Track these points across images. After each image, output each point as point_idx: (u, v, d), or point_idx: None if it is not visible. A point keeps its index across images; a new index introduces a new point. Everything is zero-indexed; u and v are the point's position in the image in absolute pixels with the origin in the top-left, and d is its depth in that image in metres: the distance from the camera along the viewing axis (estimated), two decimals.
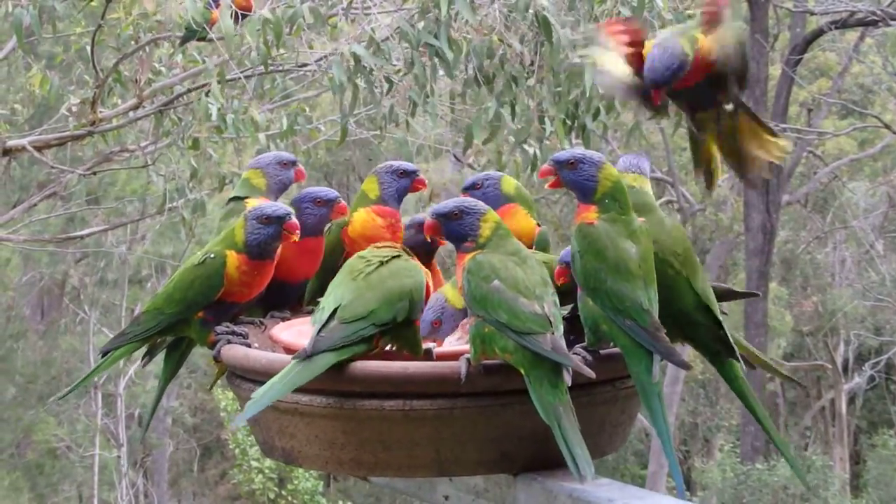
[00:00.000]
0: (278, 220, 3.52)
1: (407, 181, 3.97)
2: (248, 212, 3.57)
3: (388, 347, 3.21)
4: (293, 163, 4.01)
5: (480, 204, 3.17)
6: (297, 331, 3.44)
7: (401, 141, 8.98)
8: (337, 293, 3.21)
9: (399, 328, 3.18)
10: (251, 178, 3.95)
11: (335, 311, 3.14)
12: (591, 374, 2.98)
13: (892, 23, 19.76)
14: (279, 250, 3.63)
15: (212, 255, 3.58)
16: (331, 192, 3.89)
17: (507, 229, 3.16)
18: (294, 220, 3.54)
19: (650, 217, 3.35)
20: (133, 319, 3.78)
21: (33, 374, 25.62)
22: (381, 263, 3.30)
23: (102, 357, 3.80)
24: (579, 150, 3.18)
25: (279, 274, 3.75)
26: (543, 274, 3.12)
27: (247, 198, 3.89)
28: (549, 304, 3.03)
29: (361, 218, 3.95)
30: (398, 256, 3.35)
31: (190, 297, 3.58)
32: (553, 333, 2.96)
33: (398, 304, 3.17)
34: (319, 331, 3.10)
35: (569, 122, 8.65)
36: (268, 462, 23.91)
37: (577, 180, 3.12)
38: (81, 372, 25.85)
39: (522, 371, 2.97)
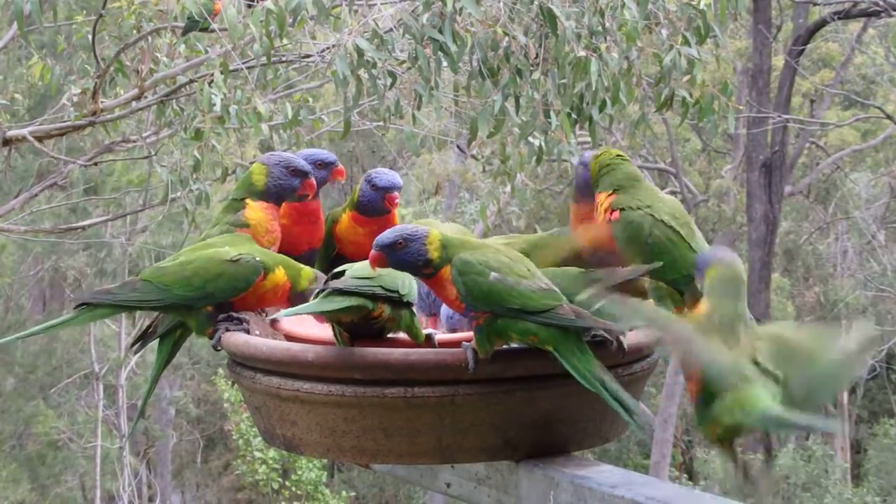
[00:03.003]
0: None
1: (377, 195, 3.91)
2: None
3: (389, 329, 3.21)
4: (304, 174, 3.76)
5: (420, 228, 3.14)
6: (299, 318, 3.44)
7: (408, 134, 8.96)
8: (344, 266, 3.26)
9: (401, 304, 3.18)
10: (254, 172, 3.82)
11: (344, 272, 3.20)
12: (621, 328, 3.02)
13: (894, 13, 19.72)
14: None
15: (257, 258, 3.52)
16: (329, 156, 3.86)
17: (455, 238, 3.15)
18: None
19: (640, 187, 3.46)
20: (125, 283, 3.62)
21: (33, 365, 25.62)
22: None
23: (78, 307, 3.61)
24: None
25: (282, 246, 3.75)
26: (523, 257, 3.14)
27: (245, 199, 3.83)
28: (545, 279, 3.05)
29: (345, 221, 3.98)
30: None
31: (210, 289, 3.51)
32: (567, 303, 2.98)
33: (400, 279, 3.19)
34: (327, 281, 3.18)
35: (574, 115, 8.64)
36: (271, 452, 23.97)
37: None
38: (81, 362, 25.88)
39: (550, 348, 2.97)
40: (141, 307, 3.61)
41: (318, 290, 3.16)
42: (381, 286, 3.13)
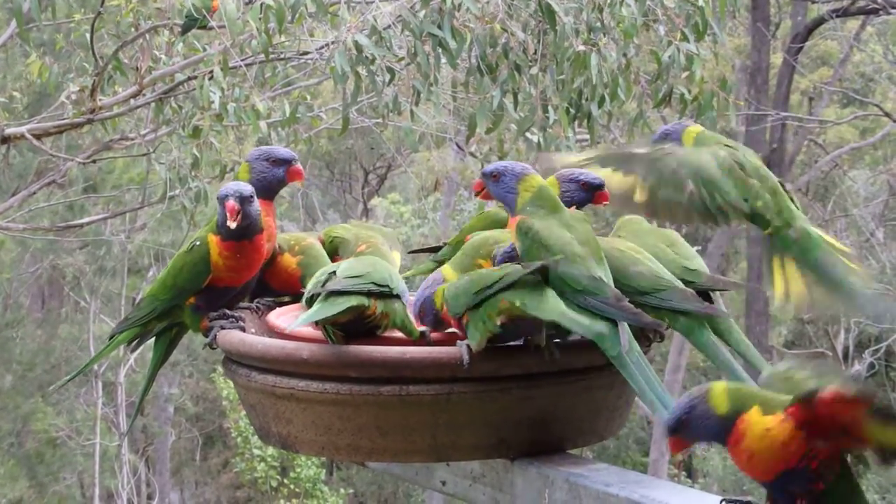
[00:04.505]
0: (221, 200, 3.50)
1: None
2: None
3: (383, 327, 3.21)
4: (286, 161, 3.75)
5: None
6: (294, 316, 3.44)
7: (407, 130, 8.96)
8: (329, 267, 3.30)
9: (391, 299, 3.20)
10: (240, 172, 3.84)
11: (333, 273, 3.22)
12: (554, 266, 3.03)
13: (892, 11, 19.70)
14: (263, 232, 3.61)
15: (197, 242, 3.58)
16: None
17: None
18: (232, 202, 3.47)
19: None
20: (135, 306, 3.82)
21: (31, 363, 25.61)
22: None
23: (110, 339, 3.86)
24: (502, 163, 3.28)
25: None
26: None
27: None
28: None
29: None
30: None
31: (180, 284, 3.61)
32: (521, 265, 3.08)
33: (387, 274, 3.23)
34: (323, 285, 3.19)
35: (572, 111, 8.63)
36: (270, 450, 23.97)
37: (500, 193, 3.24)
38: (80, 360, 25.86)
39: (518, 303, 3.00)
40: (147, 321, 3.74)
41: (312, 295, 3.17)
42: (372, 282, 3.16)
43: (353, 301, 3.12)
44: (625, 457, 27.44)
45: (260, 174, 3.75)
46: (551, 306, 2.98)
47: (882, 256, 28.13)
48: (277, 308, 3.72)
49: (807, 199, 28.70)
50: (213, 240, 3.55)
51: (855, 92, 26.99)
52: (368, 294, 3.15)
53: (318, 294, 3.16)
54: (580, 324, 2.94)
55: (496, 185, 3.25)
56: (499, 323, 3.02)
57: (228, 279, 3.58)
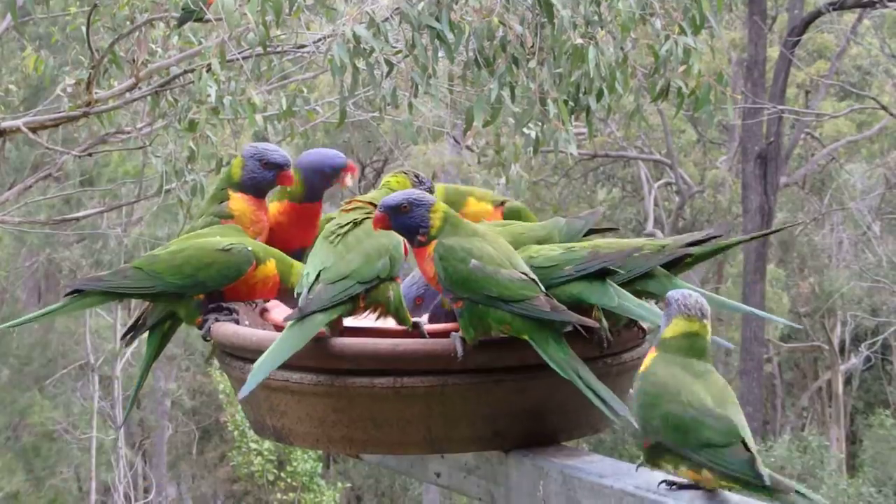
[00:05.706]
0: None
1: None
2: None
3: (375, 315, 3.19)
4: (278, 166, 3.75)
5: (428, 196, 3.14)
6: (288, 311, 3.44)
7: (406, 122, 8.93)
8: (317, 259, 3.19)
9: (382, 286, 3.16)
10: (233, 166, 3.84)
11: (319, 274, 3.13)
12: (595, 323, 3.00)
13: (889, 4, 19.71)
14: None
15: (248, 248, 3.51)
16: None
17: (456, 216, 3.15)
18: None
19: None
20: (117, 270, 3.63)
21: (28, 357, 25.59)
22: (355, 224, 3.26)
23: (69, 294, 3.61)
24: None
25: (274, 242, 3.74)
26: (508, 246, 3.13)
27: (226, 189, 3.82)
28: (527, 269, 3.05)
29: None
30: (370, 216, 3.25)
31: (201, 277, 3.50)
32: (545, 294, 2.97)
33: (378, 261, 3.16)
34: (307, 293, 3.09)
35: (571, 104, 8.61)
36: (266, 444, 23.93)
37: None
38: (77, 354, 25.85)
39: (526, 337, 2.97)
40: (131, 294, 3.58)
41: (289, 318, 3.08)
42: (357, 282, 3.10)
43: (334, 314, 3.07)
44: (621, 449, 27.45)
45: (251, 173, 3.78)
46: (561, 360, 2.95)
47: (878, 250, 28.15)
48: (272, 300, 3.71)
49: (803, 193, 28.73)
50: (271, 266, 3.54)
51: (851, 85, 26.98)
52: (355, 297, 3.11)
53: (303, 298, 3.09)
54: (598, 394, 2.94)
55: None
56: (493, 335, 3.04)
57: (245, 294, 3.56)
